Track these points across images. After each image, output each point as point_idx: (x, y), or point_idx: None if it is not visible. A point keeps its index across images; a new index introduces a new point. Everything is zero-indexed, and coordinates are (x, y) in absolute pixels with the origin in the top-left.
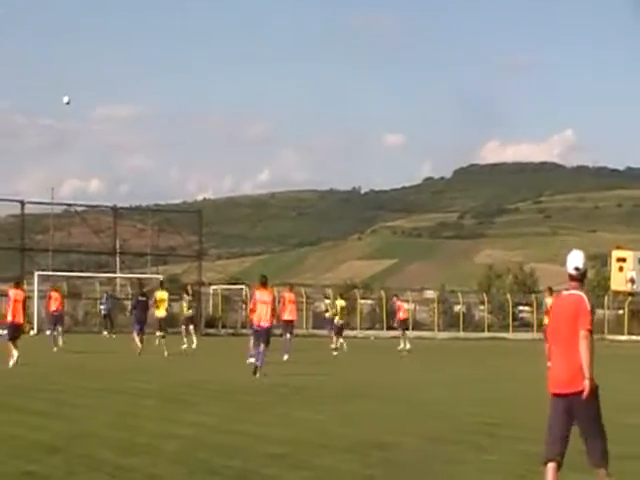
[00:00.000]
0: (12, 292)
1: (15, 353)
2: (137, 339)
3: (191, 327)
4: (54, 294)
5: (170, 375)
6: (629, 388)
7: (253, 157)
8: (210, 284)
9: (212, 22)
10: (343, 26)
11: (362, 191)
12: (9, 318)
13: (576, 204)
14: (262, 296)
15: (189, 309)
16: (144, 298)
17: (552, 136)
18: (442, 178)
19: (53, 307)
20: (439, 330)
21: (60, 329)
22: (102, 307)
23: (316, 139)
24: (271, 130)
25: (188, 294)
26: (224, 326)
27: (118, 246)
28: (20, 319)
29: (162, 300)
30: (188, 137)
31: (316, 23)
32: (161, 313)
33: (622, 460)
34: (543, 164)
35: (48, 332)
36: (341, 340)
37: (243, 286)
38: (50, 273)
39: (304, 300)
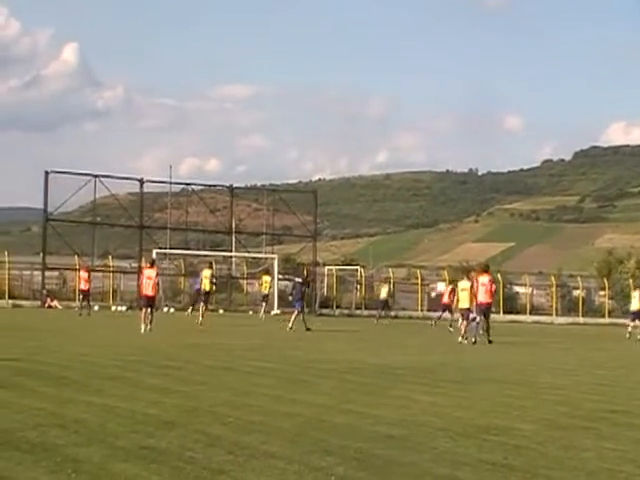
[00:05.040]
0: (146, 271)
1: (142, 326)
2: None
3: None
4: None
5: (282, 354)
6: None
7: (370, 138)
8: (325, 264)
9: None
10: (457, 6)
11: (479, 173)
12: (143, 291)
13: None
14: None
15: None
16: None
17: None
18: (562, 160)
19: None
20: (557, 315)
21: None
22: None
23: (434, 120)
24: (389, 110)
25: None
26: (338, 306)
27: (234, 225)
28: (150, 292)
29: (206, 277)
30: (306, 117)
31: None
32: (207, 288)
33: None
34: None
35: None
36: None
37: (357, 267)
38: (167, 251)
39: (419, 282)
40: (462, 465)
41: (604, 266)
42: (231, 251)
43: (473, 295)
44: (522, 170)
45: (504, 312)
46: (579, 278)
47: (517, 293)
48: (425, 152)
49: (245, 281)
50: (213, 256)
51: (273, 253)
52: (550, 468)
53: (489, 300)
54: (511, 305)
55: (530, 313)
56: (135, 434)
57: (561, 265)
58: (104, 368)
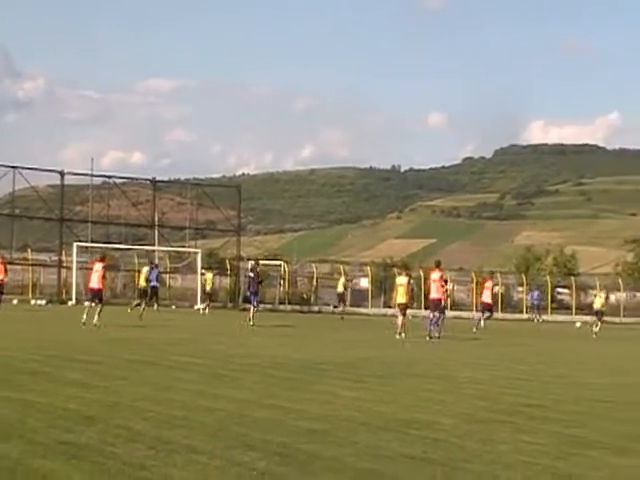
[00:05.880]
0: (95, 264)
1: (83, 316)
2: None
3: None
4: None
5: (206, 349)
6: None
7: (295, 133)
8: (248, 259)
9: None
10: (391, 6)
11: (402, 169)
12: (90, 284)
13: (617, 187)
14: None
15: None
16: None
17: (597, 118)
18: (482, 158)
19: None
20: (477, 310)
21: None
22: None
23: (358, 117)
24: (314, 106)
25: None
26: (262, 301)
27: (157, 219)
28: (96, 285)
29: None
30: (230, 111)
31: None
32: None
33: None
34: (584, 146)
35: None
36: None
37: (281, 262)
38: (88, 244)
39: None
40: (383, 459)
41: (522, 262)
42: (154, 245)
43: (410, 291)
44: (444, 167)
45: (425, 308)
46: (498, 274)
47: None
48: (349, 148)
49: (168, 275)
50: (135, 250)
51: (196, 247)
52: (468, 461)
53: (440, 296)
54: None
55: (451, 309)
56: (54, 429)
57: (481, 261)
58: (23, 363)
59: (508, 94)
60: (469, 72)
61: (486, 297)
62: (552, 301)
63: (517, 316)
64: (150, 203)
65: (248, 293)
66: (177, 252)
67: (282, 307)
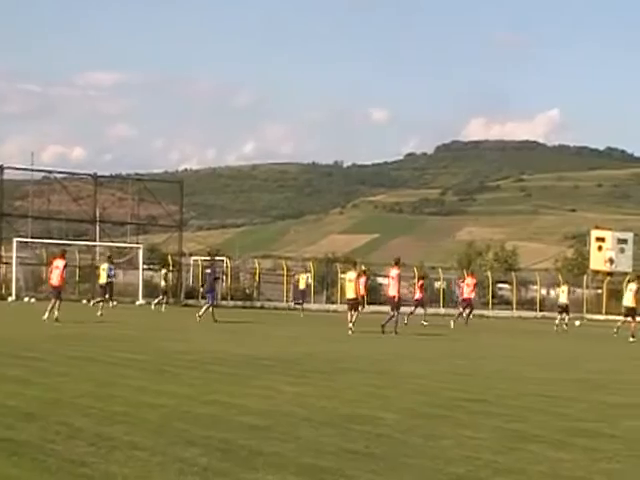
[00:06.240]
0: (55, 261)
1: (46, 314)
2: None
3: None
4: None
5: (150, 345)
6: (604, 368)
7: (238, 129)
8: (191, 255)
9: None
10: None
11: (345, 165)
12: (50, 281)
13: (556, 183)
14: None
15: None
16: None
17: (538, 115)
18: (424, 154)
19: None
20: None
21: None
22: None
23: (301, 112)
24: (257, 102)
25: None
26: (203, 297)
27: (98, 214)
28: (55, 282)
29: (103, 269)
30: (173, 106)
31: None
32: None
33: (590, 437)
34: (524, 142)
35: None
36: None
37: (224, 257)
38: (29, 240)
39: (285, 273)
40: (325, 454)
41: (464, 258)
42: (95, 240)
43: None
44: (386, 163)
45: (368, 303)
46: (440, 270)
47: (380, 285)
48: (292, 144)
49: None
50: (76, 245)
51: (138, 243)
52: (411, 456)
53: (396, 294)
54: (375, 296)
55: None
56: None
57: (423, 256)
58: None
59: (450, 90)
60: (410, 68)
61: (467, 293)
62: (493, 296)
63: (458, 311)
64: (91, 198)
65: (203, 289)
66: (118, 248)
67: (224, 303)
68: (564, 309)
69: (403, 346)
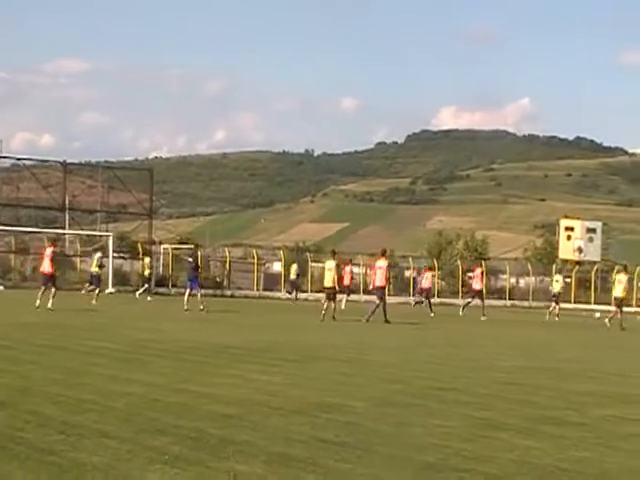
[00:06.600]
0: (47, 249)
1: (37, 301)
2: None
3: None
4: None
5: (120, 334)
6: (573, 356)
7: (209, 117)
8: (161, 243)
9: None
10: None
11: (315, 154)
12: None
13: (526, 172)
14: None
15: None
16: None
17: (508, 104)
18: (395, 143)
19: None
20: (390, 295)
21: None
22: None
23: (272, 100)
24: (228, 90)
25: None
26: (174, 285)
27: (67, 202)
28: (46, 269)
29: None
30: (143, 94)
31: None
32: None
33: (558, 425)
34: (494, 132)
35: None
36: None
37: (194, 246)
38: None
39: (255, 262)
40: (295, 442)
41: (434, 247)
42: (64, 228)
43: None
44: (357, 152)
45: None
46: (410, 259)
47: (353, 273)
48: (263, 132)
49: (79, 259)
50: (46, 233)
51: (108, 231)
52: (381, 444)
53: (384, 284)
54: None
55: (363, 293)
56: None
57: (393, 246)
58: None
59: (420, 79)
60: (381, 57)
61: (476, 284)
62: (462, 285)
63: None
64: (60, 186)
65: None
66: (88, 236)
67: (194, 291)
68: (556, 297)
69: (376, 335)
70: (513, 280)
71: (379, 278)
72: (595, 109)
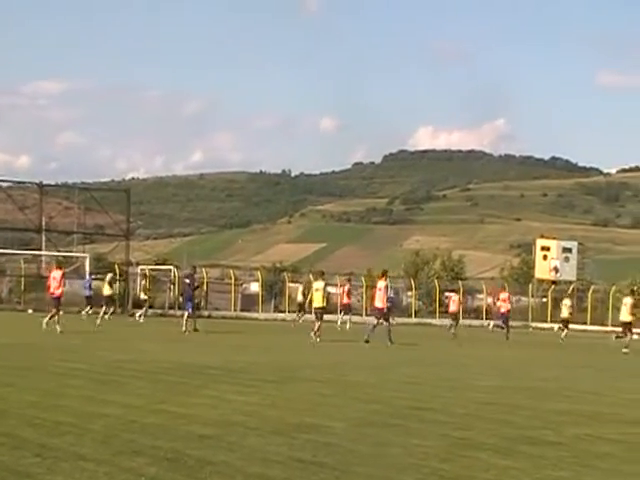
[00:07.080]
0: (53, 272)
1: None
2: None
3: None
4: None
5: (96, 355)
6: (550, 375)
7: (186, 137)
8: (138, 264)
9: None
10: (277, 9)
11: (292, 174)
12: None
13: (502, 192)
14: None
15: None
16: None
17: (484, 124)
18: (372, 163)
19: None
20: (367, 315)
21: None
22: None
23: (250, 120)
24: (205, 111)
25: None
26: (151, 306)
27: (44, 223)
28: (54, 292)
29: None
30: (120, 115)
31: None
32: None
33: (536, 445)
34: (471, 152)
35: None
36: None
37: (171, 266)
38: None
39: (232, 282)
40: (273, 463)
41: (411, 267)
42: (41, 250)
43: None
44: (334, 172)
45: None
46: (388, 279)
47: (329, 294)
48: (240, 152)
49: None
50: (22, 255)
51: (84, 252)
52: (360, 465)
53: (384, 305)
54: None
55: (341, 313)
56: None
57: (371, 265)
58: None
59: (397, 100)
60: (357, 78)
61: (504, 309)
62: (440, 305)
63: (406, 320)
64: (37, 207)
65: (182, 299)
66: (64, 257)
67: (172, 312)
68: (565, 322)
69: (351, 354)
70: (489, 300)
71: (379, 299)
72: (571, 129)
